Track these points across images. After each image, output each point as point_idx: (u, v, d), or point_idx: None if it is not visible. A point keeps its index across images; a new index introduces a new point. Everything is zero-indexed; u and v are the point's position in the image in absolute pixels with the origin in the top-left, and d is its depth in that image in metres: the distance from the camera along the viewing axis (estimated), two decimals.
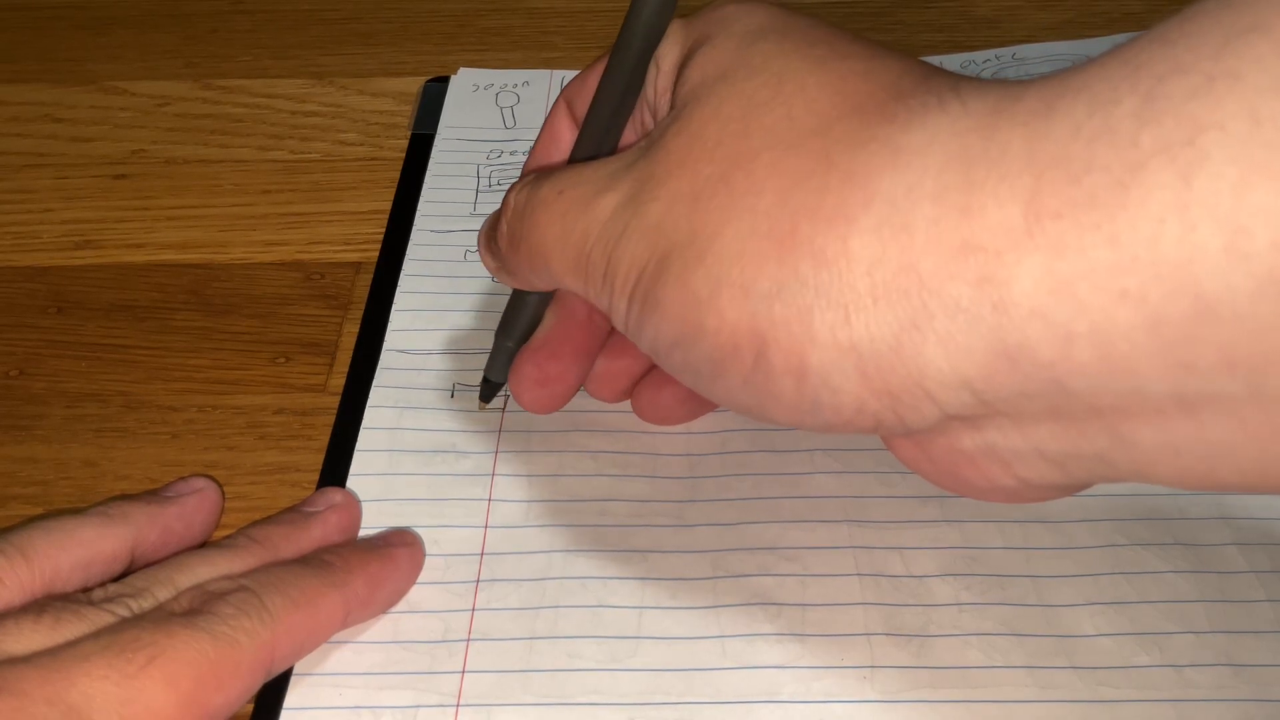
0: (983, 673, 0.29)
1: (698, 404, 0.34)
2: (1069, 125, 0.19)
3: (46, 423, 0.36)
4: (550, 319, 0.33)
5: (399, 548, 0.31)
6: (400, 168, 0.46)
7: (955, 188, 0.20)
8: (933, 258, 0.20)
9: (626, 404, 0.35)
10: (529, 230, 0.29)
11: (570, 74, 0.50)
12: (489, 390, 0.35)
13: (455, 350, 0.38)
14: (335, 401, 0.37)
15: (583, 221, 0.27)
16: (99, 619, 0.27)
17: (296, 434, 0.36)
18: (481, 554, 0.32)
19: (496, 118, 0.48)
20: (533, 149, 0.33)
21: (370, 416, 0.36)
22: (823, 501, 0.33)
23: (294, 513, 0.32)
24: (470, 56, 0.52)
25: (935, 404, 0.21)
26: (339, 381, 0.37)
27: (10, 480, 0.35)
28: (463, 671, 0.29)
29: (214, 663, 0.26)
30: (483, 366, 0.35)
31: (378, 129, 0.48)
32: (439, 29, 0.54)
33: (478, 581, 0.31)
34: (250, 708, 0.29)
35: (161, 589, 0.28)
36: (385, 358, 0.38)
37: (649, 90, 0.29)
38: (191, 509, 0.32)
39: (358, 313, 0.40)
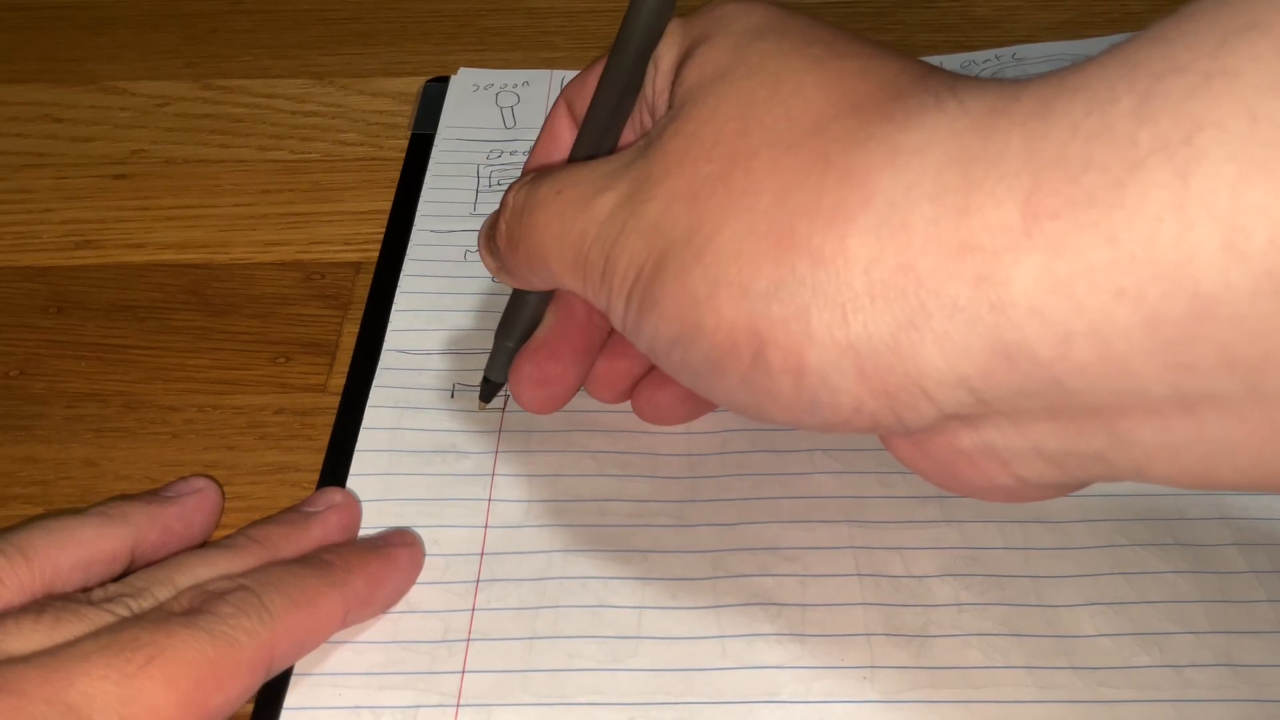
0: (983, 673, 0.29)
1: (697, 404, 0.34)
2: (1067, 124, 0.19)
3: (46, 423, 0.36)
4: (550, 319, 0.33)
5: (399, 547, 0.31)
6: (400, 168, 0.46)
7: (953, 187, 0.20)
8: (931, 257, 0.20)
9: (626, 404, 0.35)
10: (527, 230, 0.29)
11: (570, 74, 0.50)
12: (489, 390, 0.35)
13: (455, 350, 0.38)
14: (335, 401, 0.37)
15: (581, 221, 0.27)
16: (99, 619, 0.27)
17: (296, 434, 0.36)
18: (481, 554, 0.32)
19: (496, 118, 0.48)
20: (533, 149, 0.33)
21: (370, 416, 0.36)
22: (823, 501, 0.33)
23: (294, 513, 0.32)
24: (470, 56, 0.52)
25: (933, 403, 0.21)
26: (339, 381, 0.37)
27: (10, 480, 0.35)
28: (463, 671, 0.29)
29: (213, 662, 0.26)
30: (483, 366, 0.35)
31: (378, 129, 0.48)
32: (439, 29, 0.54)
33: (478, 581, 0.31)
34: (250, 707, 0.29)
35: (161, 589, 0.28)
36: (385, 358, 0.38)
37: (647, 89, 0.29)
38: (191, 509, 0.32)
39: (358, 313, 0.40)
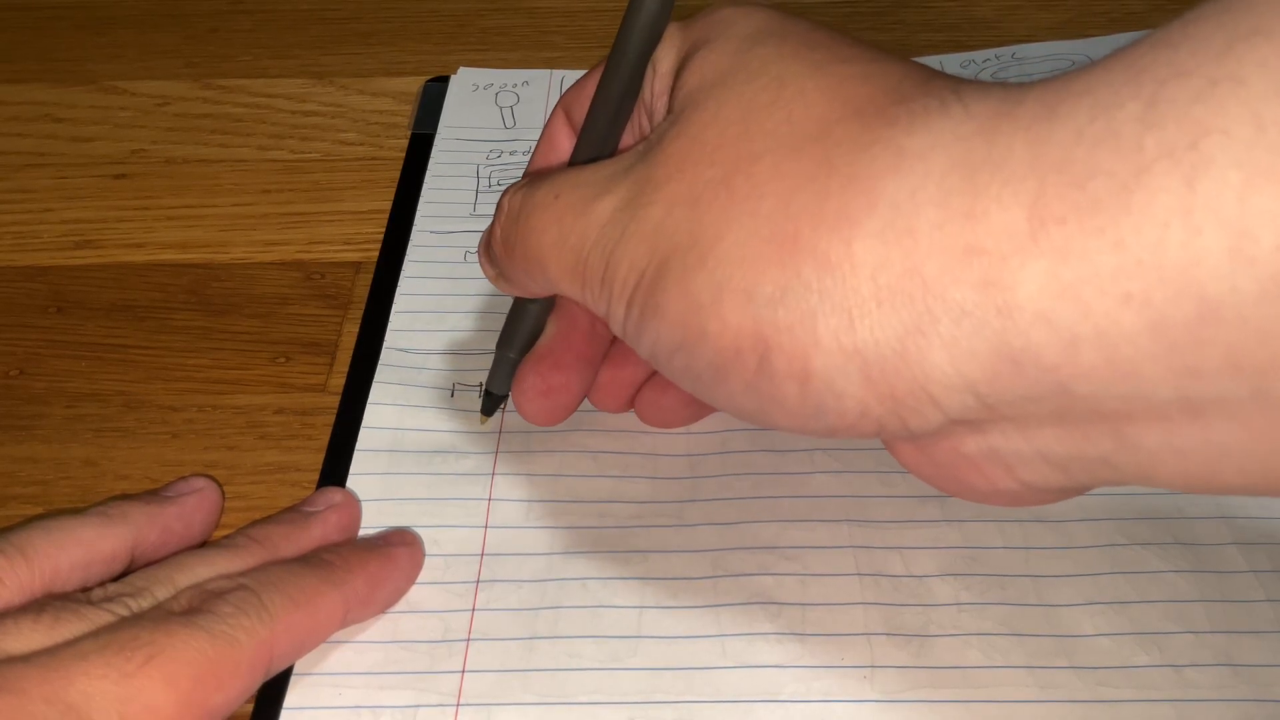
0: (983, 673, 0.29)
1: (700, 407, 0.34)
2: (1071, 129, 0.19)
3: (46, 423, 0.36)
4: (552, 328, 0.33)
5: (399, 547, 0.31)
6: (400, 168, 0.46)
7: (958, 192, 0.20)
8: (937, 262, 0.20)
9: None
10: (524, 234, 0.28)
11: (570, 74, 0.50)
12: (491, 404, 0.35)
13: (455, 350, 0.38)
14: (335, 401, 0.37)
15: (579, 225, 0.26)
16: (98, 618, 0.27)
17: (296, 434, 0.36)
18: (481, 554, 0.32)
19: (496, 118, 0.48)
20: (531, 157, 0.33)
21: (370, 416, 0.36)
22: (823, 501, 0.33)
23: (294, 512, 0.32)
24: (470, 56, 0.52)
25: (939, 408, 0.21)
26: (339, 381, 0.37)
27: (10, 480, 0.35)
28: (463, 671, 0.29)
29: (213, 661, 0.26)
30: (483, 366, 0.35)
31: (378, 129, 0.48)
32: (439, 29, 0.54)
33: (478, 581, 0.31)
34: (250, 707, 0.29)
35: (161, 588, 0.28)
36: (385, 357, 0.38)
37: (646, 93, 0.29)
38: (191, 509, 0.32)
39: (358, 312, 0.40)
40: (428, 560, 0.32)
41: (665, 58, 0.28)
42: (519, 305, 0.33)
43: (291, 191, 0.45)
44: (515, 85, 0.50)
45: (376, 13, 0.55)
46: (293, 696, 0.29)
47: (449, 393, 0.37)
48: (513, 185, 0.30)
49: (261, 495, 0.34)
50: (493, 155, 0.46)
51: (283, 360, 0.38)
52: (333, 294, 0.41)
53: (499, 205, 0.30)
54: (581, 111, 0.31)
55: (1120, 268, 0.18)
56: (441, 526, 0.33)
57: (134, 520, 0.30)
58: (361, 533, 0.33)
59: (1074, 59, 0.49)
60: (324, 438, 0.36)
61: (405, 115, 0.49)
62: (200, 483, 0.33)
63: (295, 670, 0.29)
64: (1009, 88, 0.21)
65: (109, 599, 0.27)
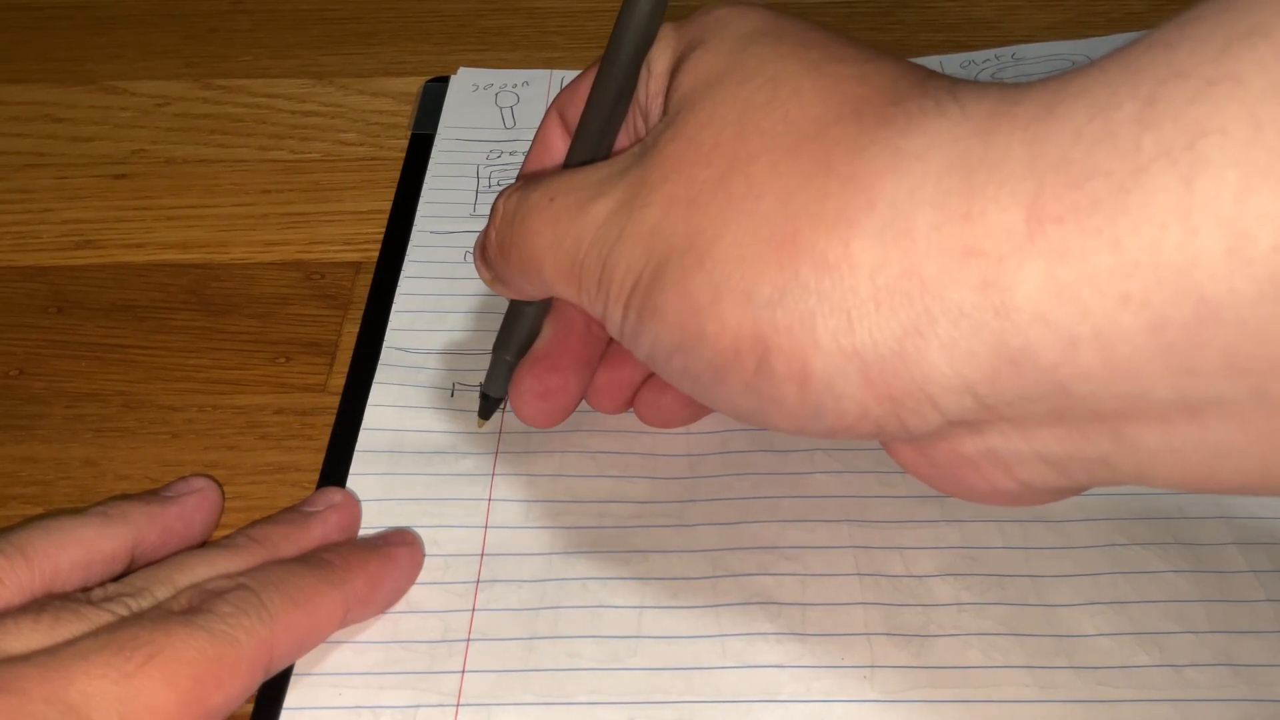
0: (983, 673, 0.29)
1: (699, 407, 0.34)
2: (1069, 129, 0.19)
3: (46, 423, 0.36)
4: (549, 330, 0.33)
5: (399, 547, 0.31)
6: (400, 168, 0.46)
7: (956, 192, 0.20)
8: (935, 262, 0.20)
9: None
10: (519, 237, 0.28)
11: (570, 74, 0.50)
12: (488, 407, 0.35)
13: (455, 350, 0.38)
14: (335, 401, 0.37)
15: (575, 227, 0.26)
16: (98, 618, 0.27)
17: (296, 434, 0.36)
18: (481, 554, 0.32)
19: (496, 118, 0.48)
20: (525, 160, 0.33)
21: (370, 416, 0.36)
22: (823, 501, 0.33)
23: (294, 512, 0.32)
24: (470, 56, 0.52)
25: (938, 409, 0.21)
26: (339, 381, 0.37)
27: (10, 480, 0.35)
28: (463, 671, 0.29)
29: (213, 661, 0.26)
30: (483, 366, 0.35)
31: (378, 129, 0.48)
32: (439, 29, 0.54)
33: (478, 582, 0.31)
34: (250, 707, 0.29)
35: (161, 588, 0.28)
36: (385, 357, 0.38)
37: (641, 94, 0.29)
38: (191, 509, 0.32)
39: (358, 313, 0.40)
40: (428, 560, 0.32)
41: (660, 58, 0.28)
42: (515, 308, 0.33)
43: (291, 191, 0.45)
44: (515, 85, 0.50)
45: (376, 13, 0.55)
46: (293, 696, 0.29)
47: (449, 393, 0.37)
48: (507, 188, 0.30)
49: (261, 495, 0.34)
50: (493, 155, 0.46)
51: (283, 360, 0.38)
52: (333, 294, 0.41)
53: (493, 208, 0.30)
54: (575, 113, 0.31)
55: (1118, 268, 0.18)
56: (441, 526, 0.33)
57: (134, 520, 0.30)
58: (361, 533, 0.33)
59: (1074, 59, 0.49)
60: (324, 438, 0.36)
61: (405, 115, 0.49)
62: (200, 483, 0.33)
63: (295, 670, 0.29)
64: (1005, 88, 0.21)
65: (109, 599, 0.27)
